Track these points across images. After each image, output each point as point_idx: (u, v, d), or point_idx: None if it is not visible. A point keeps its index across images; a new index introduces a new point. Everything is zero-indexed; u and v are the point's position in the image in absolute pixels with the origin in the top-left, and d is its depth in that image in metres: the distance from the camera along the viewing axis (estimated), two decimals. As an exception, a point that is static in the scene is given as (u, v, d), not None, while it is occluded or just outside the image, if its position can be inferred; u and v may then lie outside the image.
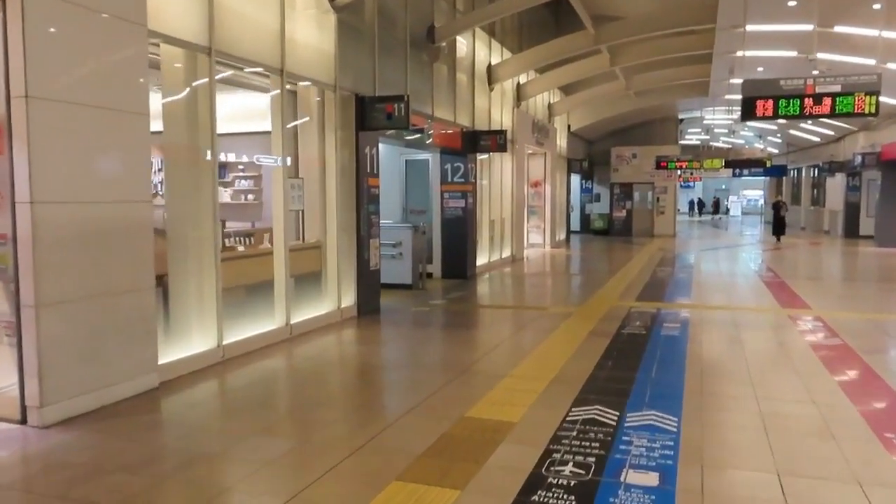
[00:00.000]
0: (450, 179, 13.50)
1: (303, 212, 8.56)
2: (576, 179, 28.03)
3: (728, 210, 54.03)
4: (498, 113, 15.70)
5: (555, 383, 5.71)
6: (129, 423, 4.81)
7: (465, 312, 9.65)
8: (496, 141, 13.64)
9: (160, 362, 5.83)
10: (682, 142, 33.21)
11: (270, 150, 8.98)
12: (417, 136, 11.23)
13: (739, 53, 15.02)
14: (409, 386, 5.97)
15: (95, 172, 5.11)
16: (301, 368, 6.61)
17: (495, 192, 15.92)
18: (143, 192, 5.50)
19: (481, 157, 14.83)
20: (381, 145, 14.00)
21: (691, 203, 50.39)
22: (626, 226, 27.26)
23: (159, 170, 10.82)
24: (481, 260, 14.84)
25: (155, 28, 5.68)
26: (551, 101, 20.82)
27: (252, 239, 7.54)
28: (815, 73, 11.59)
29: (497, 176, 15.99)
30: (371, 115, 9.15)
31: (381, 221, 12.44)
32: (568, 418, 4.77)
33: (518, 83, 17.09)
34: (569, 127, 23.72)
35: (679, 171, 27.06)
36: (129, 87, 5.35)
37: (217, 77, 7.17)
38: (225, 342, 6.63)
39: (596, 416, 4.80)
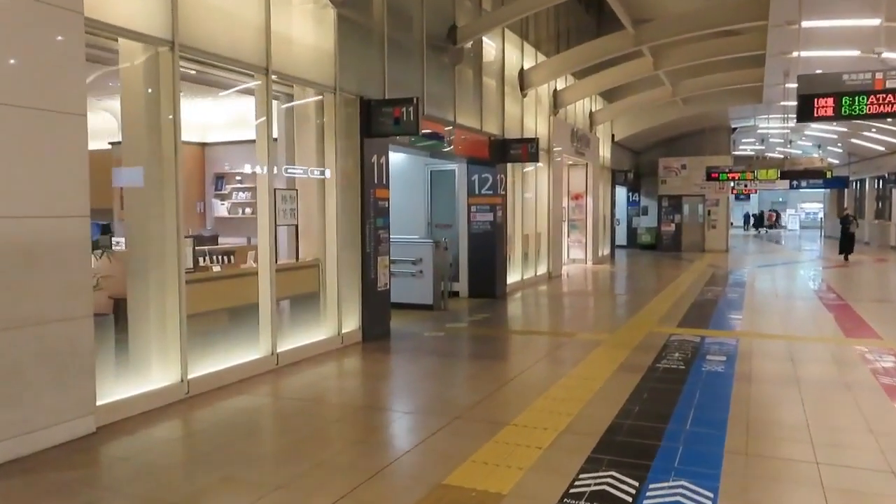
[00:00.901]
0: (477, 191, 12.57)
1: (297, 227, 7.73)
2: (621, 192, 26.75)
3: (780, 223, 51.26)
4: (532, 121, 14.71)
5: (566, 435, 4.69)
6: (40, 481, 4.00)
7: (482, 338, 8.67)
8: (527, 150, 12.65)
9: (107, 401, 5.06)
10: (735, 152, 31.57)
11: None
12: (431, 143, 10.32)
13: (795, 54, 13.68)
14: (388, 437, 5.03)
15: (17, 182, 4.35)
16: (270, 409, 5.73)
17: (529, 204, 14.90)
18: (79, 206, 4.73)
19: (515, 167, 13.87)
20: (403, 155, 13.25)
21: (746, 216, 48.04)
22: (674, 240, 25.81)
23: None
24: (513, 278, 13.83)
25: (100, 17, 4.93)
26: (593, 110, 19.71)
27: (233, 257, 6.75)
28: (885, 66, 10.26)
29: (531, 188, 14.97)
30: (377, 121, 8.31)
31: (401, 237, 11.65)
32: (572, 490, 3.76)
33: (555, 90, 16.08)
34: (612, 137, 22.53)
35: (732, 183, 25.49)
36: (60, 84, 4.59)
37: (193, 75, 6.45)
38: (192, 376, 5.82)
39: (608, 488, 3.78)
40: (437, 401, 5.89)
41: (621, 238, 27.17)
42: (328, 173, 7.91)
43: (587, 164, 19.28)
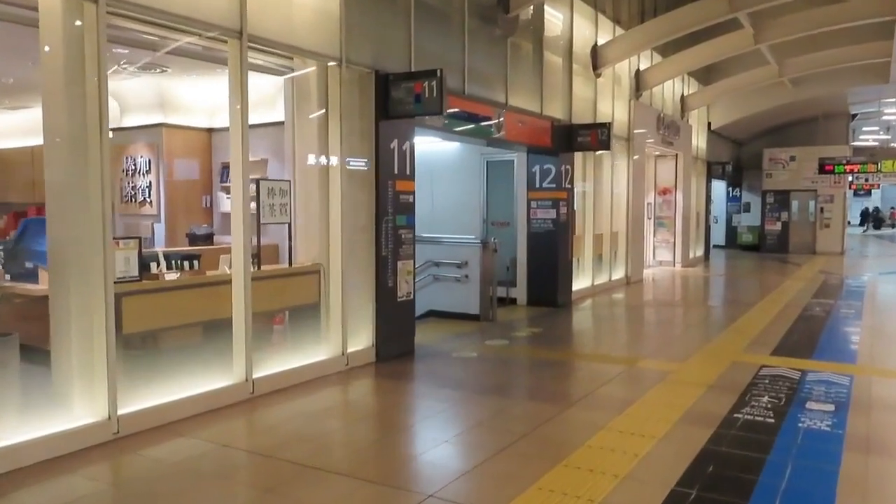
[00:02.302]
0: (538, 185, 10.98)
1: (290, 226, 6.49)
2: (719, 186, 24.22)
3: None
4: (607, 105, 12.93)
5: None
6: None
7: (517, 364, 7.15)
8: (597, 136, 10.94)
9: (10, 442, 3.98)
10: (855, 143, 28.10)
11: (283, 144, 7.08)
12: (474, 127, 8.83)
13: (935, 18, 11.29)
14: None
15: None
16: (210, 460, 4.47)
17: (604, 200, 13.14)
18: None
19: (587, 158, 12.18)
20: (456, 144, 11.82)
21: (864, 213, 43.02)
22: (780, 241, 23.06)
23: (147, 171, 9.32)
24: (582, 283, 12.15)
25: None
26: (684, 93, 17.57)
27: (197, 262, 5.57)
28: None
29: (607, 181, 13.19)
30: (395, 98, 6.94)
31: (445, 236, 10.28)
32: None
33: (637, 70, 14.19)
34: (709, 125, 20.20)
35: (850, 177, 22.47)
36: None
37: (146, 40, 5.30)
38: (123, 411, 4.65)
39: None
40: (413, 464, 4.46)
41: (719, 237, 24.65)
42: (335, 161, 6.62)
43: (677, 154, 17.18)
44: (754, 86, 17.05)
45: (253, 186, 5.86)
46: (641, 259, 14.90)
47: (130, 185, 9.55)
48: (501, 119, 9.26)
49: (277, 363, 6.03)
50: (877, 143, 32.24)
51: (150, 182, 9.11)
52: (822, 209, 22.60)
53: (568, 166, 11.04)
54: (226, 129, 9.14)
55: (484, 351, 7.54)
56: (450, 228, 11.67)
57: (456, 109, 8.27)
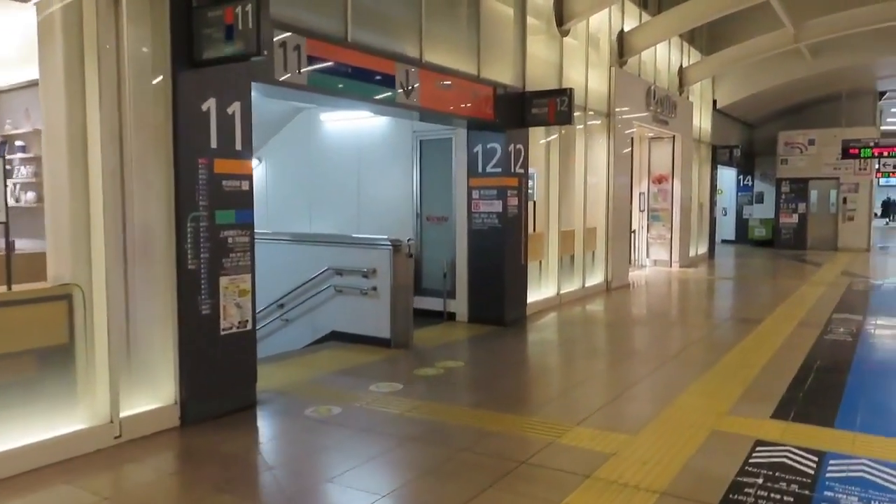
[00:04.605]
0: (481, 169, 8.60)
1: (7, 224, 4.17)
2: (728, 174, 21.65)
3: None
4: (579, 72, 10.49)
5: None
6: None
7: (393, 429, 4.76)
8: (555, 107, 8.53)
9: None
10: (883, 126, 25.27)
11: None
12: (364, 87, 6.39)
13: None
14: None
15: None
16: None
17: (576, 188, 10.72)
18: None
19: (554, 136, 9.79)
20: (381, 119, 9.47)
21: (885, 204, 39.70)
22: (797, 235, 20.44)
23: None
24: (544, 293, 9.79)
25: None
26: (683, 64, 15.04)
27: None
28: None
29: (580, 165, 10.77)
30: (200, 34, 4.60)
31: (347, 236, 8.05)
32: None
33: (621, 32, 11.73)
34: (714, 102, 17.64)
35: (878, 163, 19.78)
36: None
37: None
38: None
39: None
40: None
41: (728, 232, 22.11)
42: (92, 127, 4.29)
43: (674, 136, 14.68)
44: (766, 54, 14.47)
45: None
46: (626, 260, 12.46)
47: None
48: (413, 81, 6.86)
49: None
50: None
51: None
52: (844, 200, 19.94)
53: (520, 146, 8.64)
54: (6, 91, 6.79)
55: (360, 402, 5.20)
56: (377, 226, 9.38)
57: (329, 63, 5.93)
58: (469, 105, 7.84)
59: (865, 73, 18.32)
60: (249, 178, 5.15)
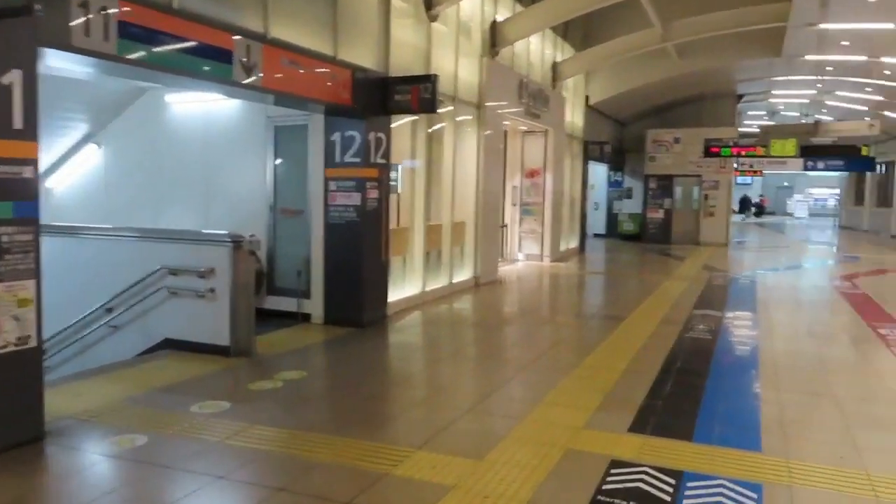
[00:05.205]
0: (338, 159, 7.92)
1: None
2: (600, 170, 22.09)
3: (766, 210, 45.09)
4: (449, 60, 10.03)
5: None
6: None
7: (186, 471, 4.06)
8: (419, 94, 7.98)
9: None
10: (741, 128, 26.69)
11: None
12: (183, 59, 5.57)
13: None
14: None
15: None
16: None
17: (444, 181, 10.27)
18: None
19: (419, 124, 9.25)
20: (233, 103, 8.61)
21: (742, 201, 42.33)
22: (663, 230, 21.15)
23: None
24: (408, 290, 9.27)
25: None
26: (556, 59, 14.97)
27: None
28: None
29: (448, 157, 10.32)
30: (-49, -21, 3.67)
31: (188, 232, 7.19)
32: None
33: (494, 22, 11.37)
34: (587, 99, 17.81)
35: (735, 162, 20.78)
36: None
37: None
38: None
39: None
40: None
41: (599, 226, 22.61)
42: None
43: (547, 130, 14.59)
44: (636, 52, 14.67)
45: None
46: (496, 255, 12.20)
47: None
48: (255, 59, 6.08)
49: None
50: (760, 131, 31.29)
51: None
52: (706, 196, 20.83)
53: (381, 134, 8.03)
54: None
55: (174, 428, 4.43)
56: (228, 220, 8.54)
57: (147, 30, 5.05)
58: (323, 88, 7.15)
59: (726, 76, 19.13)
60: (33, 163, 4.24)
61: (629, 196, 22.64)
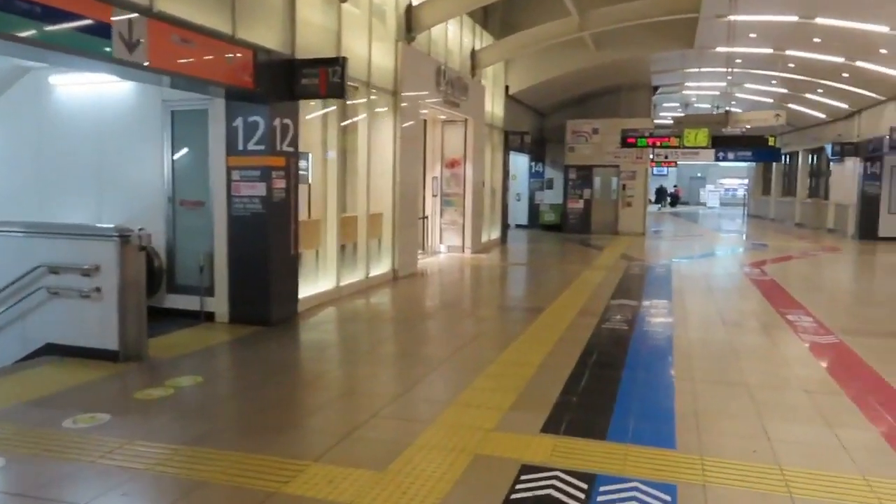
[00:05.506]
0: (241, 147, 7.43)
1: None
2: (522, 161, 22.11)
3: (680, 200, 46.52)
4: (361, 43, 9.63)
5: None
6: None
7: (44, 500, 3.62)
8: (327, 77, 7.57)
9: None
10: (657, 120, 27.33)
11: None
12: (44, 32, 4.99)
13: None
14: None
15: None
16: None
17: (359, 172, 9.90)
18: None
19: (331, 112, 8.82)
20: (123, 85, 7.97)
21: (658, 191, 43.53)
22: (583, 220, 21.36)
23: None
24: (322, 285, 8.87)
25: None
26: (475, 47, 14.76)
27: None
28: None
29: (363, 146, 9.94)
30: None
31: (71, 226, 6.56)
32: None
33: (409, 5, 11.02)
34: (507, 88, 17.70)
35: (651, 152, 21.16)
36: None
37: None
38: None
39: None
40: None
41: (521, 217, 22.63)
42: None
43: (466, 119, 14.38)
44: (554, 41, 14.61)
45: None
46: (414, 247, 11.90)
47: None
48: (139, 34, 5.54)
49: None
50: (674, 122, 32.14)
51: None
52: (624, 186, 21.15)
53: (287, 121, 7.57)
54: None
55: (38, 448, 3.93)
56: (123, 213, 7.92)
57: (2, -6, 4.48)
58: (221, 70, 6.64)
59: (642, 67, 19.41)
60: None
61: (550, 187, 22.78)
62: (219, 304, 7.63)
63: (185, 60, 6.14)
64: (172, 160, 7.95)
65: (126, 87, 8.02)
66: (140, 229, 6.05)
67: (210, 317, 7.65)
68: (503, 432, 4.25)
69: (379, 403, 4.87)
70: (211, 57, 6.47)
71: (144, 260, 6.14)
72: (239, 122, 7.38)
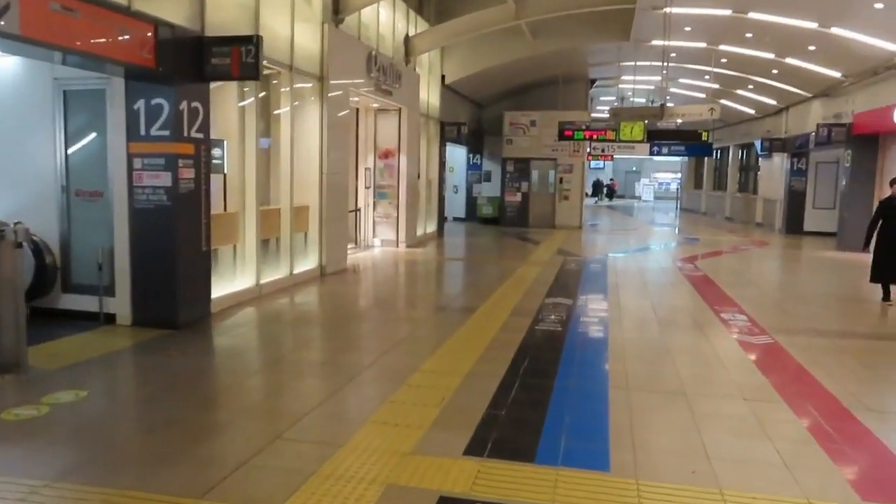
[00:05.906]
0: (144, 132, 6.72)
1: None
2: (460, 152, 21.69)
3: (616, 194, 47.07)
4: (283, 23, 8.98)
5: None
6: None
7: None
8: (240, 57, 6.93)
9: None
10: (594, 114, 27.34)
11: None
12: None
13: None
14: None
15: None
16: None
17: (282, 161, 9.28)
18: None
19: (250, 93, 8.17)
20: (9, 60, 7.13)
21: (595, 185, 43.94)
22: (520, 213, 21.13)
23: None
24: (239, 283, 8.23)
25: None
26: (409, 34, 14.22)
27: None
28: None
29: (285, 134, 9.31)
30: None
31: None
32: None
33: (338, -14, 10.41)
34: (443, 78, 17.23)
35: (588, 145, 21.05)
36: None
37: None
38: None
39: None
40: None
41: (458, 210, 22.24)
42: None
43: (400, 109, 13.85)
44: (490, 29, 14.16)
45: None
46: (344, 242, 11.33)
47: None
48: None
49: None
50: (610, 114, 32.31)
51: None
52: (561, 180, 21.00)
53: (196, 104, 6.91)
54: None
55: None
56: (9, 205, 7.11)
57: None
58: (114, 45, 5.93)
59: (579, 59, 19.24)
60: None
61: (488, 179, 22.45)
62: (120, 304, 6.93)
63: (68, 32, 5.42)
64: (66, 146, 7.16)
65: (10, 63, 7.19)
66: (17, 223, 5.32)
67: (111, 319, 6.96)
68: (422, 456, 3.79)
69: (285, 423, 4.33)
70: (100, 29, 5.75)
71: (22, 257, 5.42)
72: (140, 104, 6.67)
